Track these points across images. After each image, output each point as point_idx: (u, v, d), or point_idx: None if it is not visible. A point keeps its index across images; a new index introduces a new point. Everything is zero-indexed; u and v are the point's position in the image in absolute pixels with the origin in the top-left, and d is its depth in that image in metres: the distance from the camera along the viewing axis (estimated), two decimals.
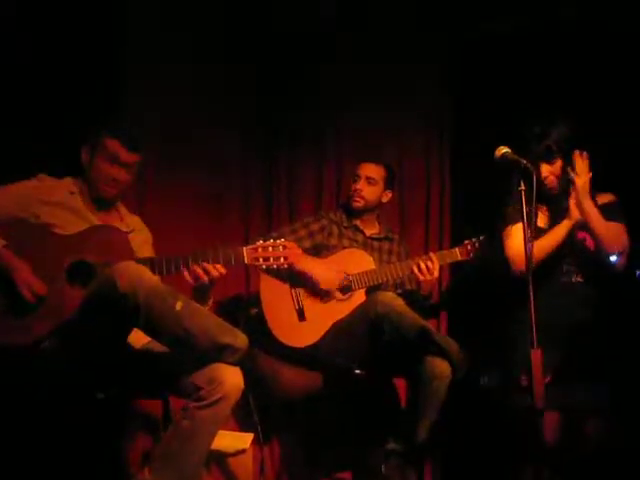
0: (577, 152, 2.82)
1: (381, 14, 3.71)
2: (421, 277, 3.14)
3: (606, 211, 2.90)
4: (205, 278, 2.45)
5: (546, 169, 2.91)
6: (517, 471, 2.73)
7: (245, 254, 2.52)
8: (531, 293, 2.34)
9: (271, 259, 2.52)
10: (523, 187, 2.50)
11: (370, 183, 3.34)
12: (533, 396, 2.29)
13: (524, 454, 2.65)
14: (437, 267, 3.15)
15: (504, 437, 2.85)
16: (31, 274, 2.39)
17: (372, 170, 3.35)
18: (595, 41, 3.38)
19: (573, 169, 2.83)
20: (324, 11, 3.71)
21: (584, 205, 2.83)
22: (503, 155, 2.62)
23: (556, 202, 2.96)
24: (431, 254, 3.19)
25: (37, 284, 2.38)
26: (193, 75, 3.59)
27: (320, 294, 3.16)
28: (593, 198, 2.89)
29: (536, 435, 2.37)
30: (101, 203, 2.73)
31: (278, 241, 2.55)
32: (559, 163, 2.92)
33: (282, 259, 2.53)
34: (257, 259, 2.52)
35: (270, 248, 2.52)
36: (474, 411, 3.26)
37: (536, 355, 2.32)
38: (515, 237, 2.92)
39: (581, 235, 2.94)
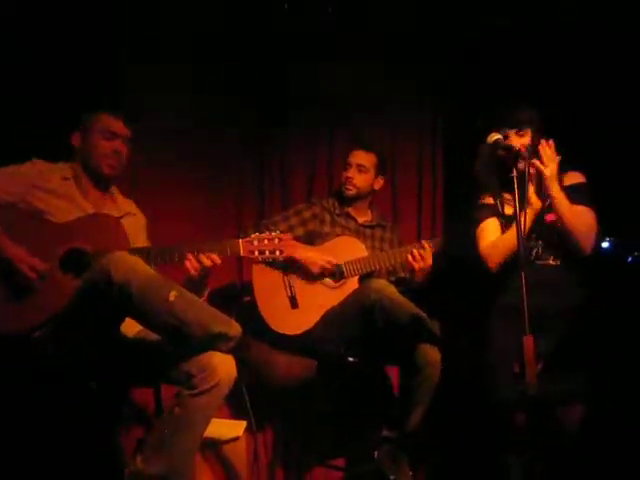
0: (543, 141, 2.79)
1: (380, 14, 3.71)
2: (415, 265, 3.13)
3: (573, 193, 2.86)
4: (198, 267, 2.46)
5: (516, 140, 2.84)
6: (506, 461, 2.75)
7: (241, 246, 2.53)
8: (523, 282, 2.35)
9: (267, 252, 2.53)
10: (515, 173, 2.51)
11: (361, 171, 3.34)
12: (525, 383, 2.30)
13: (509, 444, 2.68)
14: (430, 254, 3.15)
15: (489, 427, 2.86)
16: (27, 254, 2.38)
17: (363, 157, 3.35)
18: (594, 39, 3.37)
19: (540, 159, 2.78)
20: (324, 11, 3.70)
21: (552, 192, 2.78)
22: (495, 141, 2.63)
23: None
24: (424, 241, 3.18)
25: (36, 262, 2.38)
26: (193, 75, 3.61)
27: (312, 278, 3.16)
28: (560, 178, 2.86)
29: (522, 424, 2.38)
30: (99, 183, 2.71)
31: (273, 233, 2.56)
32: (528, 136, 2.87)
33: (278, 252, 2.54)
34: (253, 252, 2.53)
35: (266, 240, 2.53)
36: (467, 398, 3.28)
37: (528, 341, 2.33)
38: (486, 233, 2.94)
39: (549, 218, 2.89)
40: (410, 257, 3.13)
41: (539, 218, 2.87)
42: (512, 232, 2.71)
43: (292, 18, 3.70)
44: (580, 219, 2.82)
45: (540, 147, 2.77)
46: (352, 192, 3.36)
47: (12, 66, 3.17)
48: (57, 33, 3.25)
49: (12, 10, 3.21)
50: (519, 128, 2.87)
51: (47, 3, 3.26)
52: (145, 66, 3.49)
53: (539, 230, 2.89)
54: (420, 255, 3.13)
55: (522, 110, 2.89)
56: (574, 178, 2.92)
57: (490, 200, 3.00)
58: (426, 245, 3.15)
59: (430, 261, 3.16)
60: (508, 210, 2.94)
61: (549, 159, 2.77)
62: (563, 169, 2.87)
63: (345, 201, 3.40)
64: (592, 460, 2.74)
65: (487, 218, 2.94)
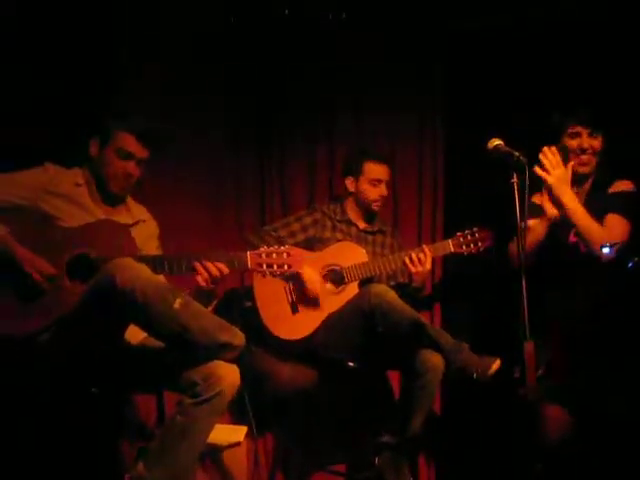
0: (544, 149, 2.77)
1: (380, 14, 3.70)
2: (413, 269, 3.14)
3: (611, 200, 2.85)
4: (207, 277, 2.45)
5: (587, 141, 2.87)
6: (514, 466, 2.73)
7: (249, 259, 2.51)
8: (524, 286, 2.34)
9: (275, 266, 2.52)
10: (515, 180, 2.50)
11: (388, 186, 3.41)
12: (526, 388, 2.31)
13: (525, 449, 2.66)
14: (429, 259, 3.15)
15: (507, 431, 2.85)
16: (36, 257, 2.37)
17: (388, 173, 3.41)
18: (594, 38, 3.36)
19: (540, 167, 2.75)
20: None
21: (562, 200, 2.75)
22: (495, 147, 2.61)
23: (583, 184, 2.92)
24: (424, 246, 3.19)
25: (45, 266, 2.37)
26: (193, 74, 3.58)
27: (309, 302, 3.16)
28: (606, 186, 2.87)
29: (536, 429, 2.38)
30: (109, 197, 2.70)
31: (282, 247, 2.55)
32: (600, 140, 2.88)
33: (285, 266, 2.53)
34: (260, 265, 2.52)
35: (274, 254, 2.52)
36: (468, 404, 3.29)
37: (529, 347, 2.33)
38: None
39: (573, 239, 2.88)
40: (408, 260, 3.14)
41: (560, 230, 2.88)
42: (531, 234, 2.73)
43: (292, 18, 3.69)
44: (601, 229, 2.76)
45: (541, 154, 2.76)
46: (380, 208, 3.42)
47: (11, 65, 3.14)
48: (57, 33, 3.22)
49: (12, 10, 3.18)
50: (594, 129, 2.88)
51: (47, 3, 3.23)
52: (144, 65, 3.45)
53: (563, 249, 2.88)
54: (419, 259, 3.14)
55: (598, 112, 2.90)
56: (619, 186, 2.91)
57: (538, 199, 2.93)
58: (426, 250, 3.16)
59: (429, 266, 3.17)
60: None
61: (552, 166, 2.74)
62: (613, 177, 2.89)
63: (373, 217, 3.44)
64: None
65: (530, 218, 2.89)
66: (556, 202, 2.77)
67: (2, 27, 3.14)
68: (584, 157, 2.89)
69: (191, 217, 3.52)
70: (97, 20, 3.34)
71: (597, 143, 2.89)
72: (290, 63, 3.74)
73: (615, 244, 2.70)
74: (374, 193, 3.37)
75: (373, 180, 3.35)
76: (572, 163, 2.84)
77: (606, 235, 2.75)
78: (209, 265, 2.44)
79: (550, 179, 2.74)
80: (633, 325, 2.71)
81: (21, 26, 3.20)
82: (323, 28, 3.70)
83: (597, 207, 2.83)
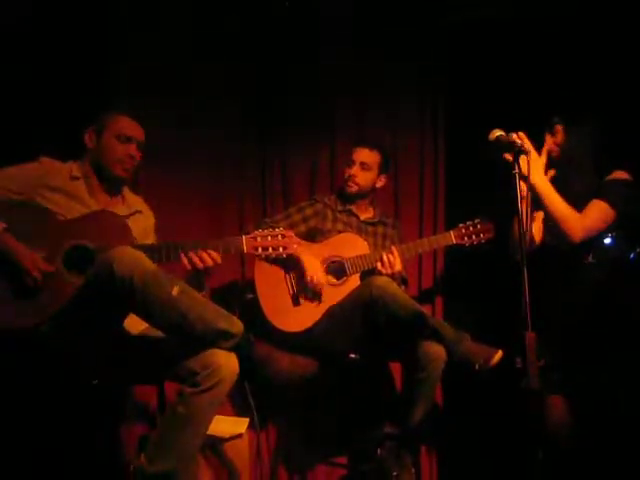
0: (512, 134, 2.74)
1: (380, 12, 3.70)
2: (383, 271, 3.12)
3: (601, 188, 2.86)
4: (200, 265, 2.46)
5: (549, 141, 2.91)
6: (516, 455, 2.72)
7: (244, 243, 2.53)
8: (525, 276, 2.34)
9: (270, 249, 2.55)
10: (517, 170, 2.49)
11: (364, 168, 3.35)
12: (528, 378, 2.30)
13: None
14: (399, 260, 3.13)
15: (509, 422, 2.84)
16: (33, 253, 2.38)
17: (367, 155, 3.34)
18: (594, 32, 3.36)
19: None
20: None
21: (532, 180, 2.71)
22: (497, 138, 2.60)
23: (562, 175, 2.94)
24: (393, 247, 3.17)
25: (42, 262, 2.38)
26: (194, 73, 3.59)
27: (311, 293, 3.14)
28: (605, 175, 2.87)
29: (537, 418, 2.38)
30: (110, 184, 2.70)
31: (277, 230, 2.57)
32: (560, 132, 2.91)
33: (281, 249, 2.55)
34: (256, 248, 2.54)
35: (269, 237, 2.55)
36: (470, 395, 3.29)
37: (530, 338, 2.33)
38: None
39: None
40: (379, 264, 3.13)
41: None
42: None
43: (292, 17, 3.69)
44: (576, 214, 2.78)
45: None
46: (354, 190, 3.36)
47: (13, 65, 3.16)
48: (55, 32, 3.24)
49: (12, 9, 3.19)
50: (550, 132, 2.93)
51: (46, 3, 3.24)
52: (144, 65, 3.47)
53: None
54: (389, 260, 3.12)
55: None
56: (613, 175, 2.90)
57: None
58: (395, 250, 3.14)
59: (399, 267, 3.14)
60: None
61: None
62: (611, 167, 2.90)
63: (347, 198, 3.40)
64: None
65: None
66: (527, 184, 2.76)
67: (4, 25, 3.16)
68: (552, 155, 2.93)
69: (192, 213, 3.53)
70: (95, 18, 3.35)
71: (557, 138, 2.93)
72: (290, 63, 3.74)
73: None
74: (345, 172, 3.37)
75: (347, 159, 3.37)
76: (547, 148, 2.89)
77: (578, 219, 2.79)
78: (202, 254, 2.46)
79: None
80: (631, 316, 2.72)
81: (21, 25, 3.21)
82: (323, 28, 3.70)
83: (590, 196, 2.84)
